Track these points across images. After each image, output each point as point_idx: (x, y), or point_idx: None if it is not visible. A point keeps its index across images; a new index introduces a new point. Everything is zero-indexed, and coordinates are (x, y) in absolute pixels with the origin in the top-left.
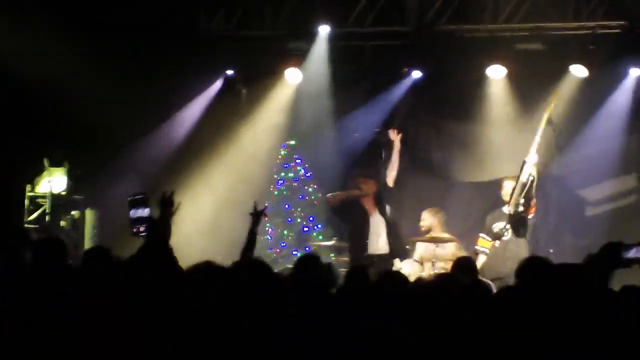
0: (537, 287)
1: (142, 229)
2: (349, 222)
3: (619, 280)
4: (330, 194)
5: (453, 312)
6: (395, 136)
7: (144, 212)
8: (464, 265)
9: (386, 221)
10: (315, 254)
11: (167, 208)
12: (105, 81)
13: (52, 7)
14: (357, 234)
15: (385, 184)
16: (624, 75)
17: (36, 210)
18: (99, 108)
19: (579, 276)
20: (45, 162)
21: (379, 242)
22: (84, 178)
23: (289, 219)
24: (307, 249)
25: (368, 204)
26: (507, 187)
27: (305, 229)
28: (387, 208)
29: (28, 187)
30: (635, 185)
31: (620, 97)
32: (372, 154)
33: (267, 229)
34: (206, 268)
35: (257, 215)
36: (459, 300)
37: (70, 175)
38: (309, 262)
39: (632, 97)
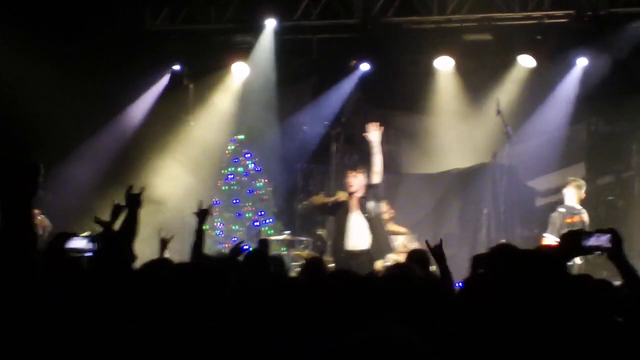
0: (506, 275)
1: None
2: (330, 214)
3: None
4: (306, 202)
5: (410, 302)
6: (375, 131)
7: (81, 242)
8: (418, 258)
9: (367, 218)
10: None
11: (136, 204)
12: (53, 79)
13: None
14: (337, 229)
15: (370, 183)
16: (571, 65)
17: None
18: (47, 106)
19: (544, 263)
20: None
21: (359, 238)
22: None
23: (239, 214)
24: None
25: (352, 199)
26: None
27: (256, 223)
28: (372, 204)
29: None
30: (581, 176)
31: (568, 87)
32: (323, 148)
33: (217, 223)
34: (161, 266)
35: (202, 215)
36: (417, 290)
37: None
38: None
39: (579, 87)
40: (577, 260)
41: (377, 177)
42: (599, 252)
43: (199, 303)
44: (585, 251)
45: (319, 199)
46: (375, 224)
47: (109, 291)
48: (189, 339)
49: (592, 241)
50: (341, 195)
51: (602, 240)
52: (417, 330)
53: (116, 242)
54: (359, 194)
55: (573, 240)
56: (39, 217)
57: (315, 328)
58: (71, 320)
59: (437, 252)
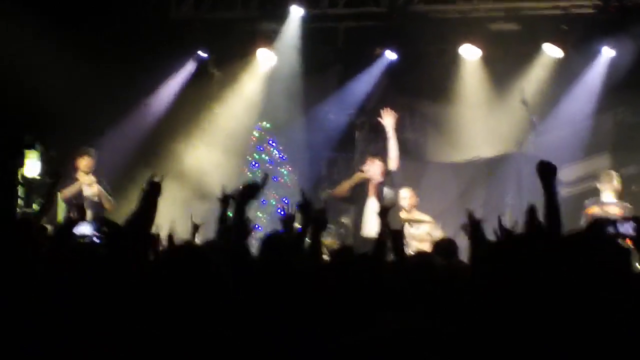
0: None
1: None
2: (352, 203)
3: None
4: (329, 192)
5: (430, 290)
6: (388, 118)
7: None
8: (444, 248)
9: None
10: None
11: (154, 194)
12: (78, 67)
13: None
14: (356, 216)
15: (387, 169)
16: (597, 54)
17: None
18: (72, 93)
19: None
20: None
21: (374, 225)
22: (59, 161)
23: (263, 201)
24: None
25: (370, 185)
26: None
27: (280, 211)
28: (387, 191)
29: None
30: (607, 166)
31: (593, 77)
32: (347, 137)
33: None
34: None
35: (225, 201)
36: (436, 279)
37: (43, 158)
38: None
39: (604, 77)
40: None
41: (392, 163)
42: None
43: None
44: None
45: (340, 190)
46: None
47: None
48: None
49: (615, 228)
50: (355, 177)
51: (626, 227)
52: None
53: (120, 243)
54: (376, 180)
55: (597, 229)
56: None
57: (317, 326)
58: (71, 317)
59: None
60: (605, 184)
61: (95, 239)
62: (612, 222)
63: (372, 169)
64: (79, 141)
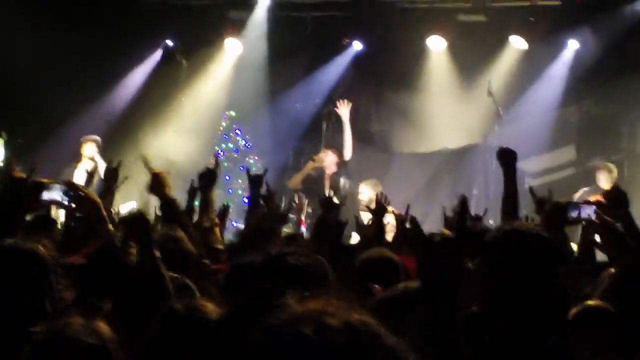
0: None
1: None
2: (308, 194)
3: None
4: (288, 181)
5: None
6: (343, 108)
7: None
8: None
9: (337, 196)
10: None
11: (113, 179)
12: (44, 51)
13: None
14: (313, 205)
15: (342, 159)
16: (563, 46)
17: None
18: (37, 79)
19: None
20: None
21: None
22: (23, 149)
23: (230, 190)
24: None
25: (325, 176)
26: None
27: (246, 200)
28: (342, 181)
29: None
30: (572, 158)
31: (559, 69)
32: (314, 126)
33: None
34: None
35: (256, 180)
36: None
37: (8, 145)
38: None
39: (570, 69)
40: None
41: (347, 153)
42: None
43: None
44: (571, 222)
45: (294, 182)
46: (347, 200)
47: None
48: None
49: (578, 212)
50: (306, 167)
51: (588, 211)
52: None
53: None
54: (330, 171)
55: (559, 212)
56: None
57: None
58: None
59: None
60: (604, 174)
61: (64, 201)
62: (575, 205)
63: (327, 159)
64: (44, 127)
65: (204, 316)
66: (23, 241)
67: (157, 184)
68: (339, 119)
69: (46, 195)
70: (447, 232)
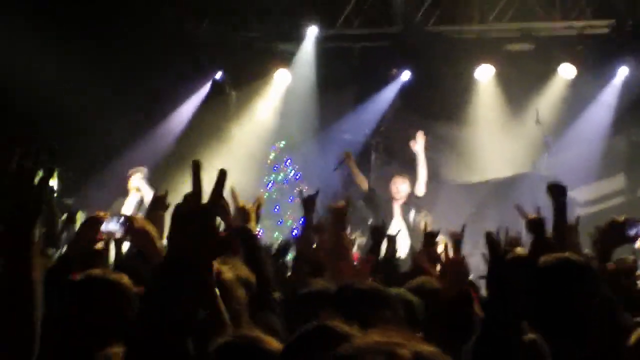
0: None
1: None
2: (374, 217)
3: None
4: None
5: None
6: (419, 142)
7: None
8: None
9: (407, 226)
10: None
11: (160, 208)
12: (94, 85)
13: (39, 10)
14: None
15: (414, 193)
16: (611, 75)
17: None
18: (86, 111)
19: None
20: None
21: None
22: (75, 181)
23: (280, 221)
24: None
25: (395, 204)
26: None
27: (296, 231)
28: (413, 214)
29: None
30: (621, 187)
31: (608, 97)
32: (363, 157)
33: (257, 231)
34: None
35: (309, 202)
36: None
37: (61, 177)
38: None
39: (619, 97)
40: None
41: (420, 189)
42: None
43: None
44: (629, 240)
45: (363, 183)
46: (415, 234)
47: None
48: None
49: (636, 229)
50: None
51: None
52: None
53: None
54: (402, 200)
55: (617, 229)
56: None
57: None
58: None
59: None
60: None
61: (120, 231)
62: (633, 222)
63: (403, 190)
64: (94, 161)
65: (266, 347)
66: (109, 272)
67: (243, 218)
68: (387, 150)
69: (104, 227)
70: (521, 250)
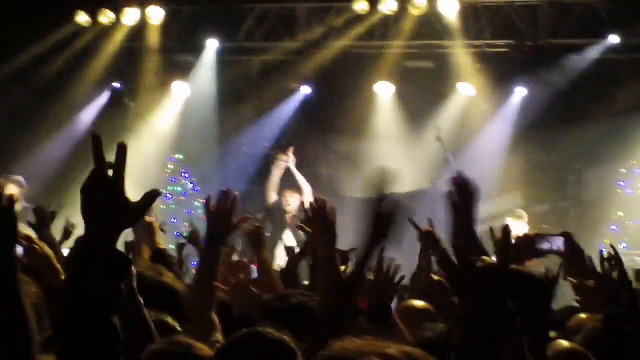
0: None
1: None
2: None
3: None
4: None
5: None
6: (290, 159)
7: None
8: None
9: (297, 239)
10: None
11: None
12: None
13: None
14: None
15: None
16: (510, 94)
17: None
18: None
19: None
20: None
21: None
22: None
23: (176, 233)
24: None
25: (289, 217)
26: None
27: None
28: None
29: None
30: (517, 205)
31: (506, 116)
32: (262, 170)
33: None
34: None
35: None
36: None
37: None
38: None
39: (517, 116)
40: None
41: (310, 199)
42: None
43: None
44: (540, 254)
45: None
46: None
47: None
48: None
49: (547, 244)
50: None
51: (557, 243)
52: None
53: None
54: (294, 213)
55: (528, 244)
56: None
57: None
58: None
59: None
60: (514, 221)
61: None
62: (542, 237)
63: (293, 203)
64: None
65: (198, 354)
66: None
67: (149, 233)
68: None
69: None
70: (488, 259)
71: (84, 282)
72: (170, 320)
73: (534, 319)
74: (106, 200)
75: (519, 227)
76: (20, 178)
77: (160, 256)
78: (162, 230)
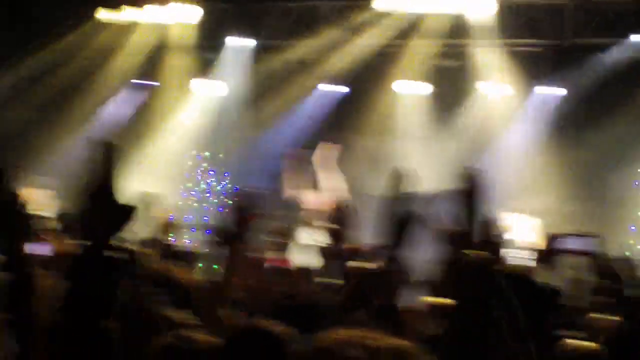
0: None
1: None
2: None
3: None
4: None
5: None
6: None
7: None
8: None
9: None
10: None
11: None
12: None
13: None
14: None
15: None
16: (537, 93)
17: None
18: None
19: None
20: None
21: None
22: None
23: (192, 229)
24: None
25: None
26: None
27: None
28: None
29: None
30: (547, 203)
31: (533, 116)
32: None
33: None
34: None
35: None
36: None
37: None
38: None
39: (544, 116)
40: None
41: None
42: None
43: None
44: (563, 253)
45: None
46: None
47: None
48: None
49: (575, 244)
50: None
51: (584, 243)
52: None
53: None
54: (314, 211)
55: (551, 243)
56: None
57: None
58: None
59: None
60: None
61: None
62: (571, 237)
63: (311, 198)
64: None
65: (203, 347)
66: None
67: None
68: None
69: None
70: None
71: (84, 281)
72: (177, 314)
73: (535, 318)
74: (99, 206)
75: (530, 224)
76: (47, 179)
77: (169, 251)
78: (175, 226)
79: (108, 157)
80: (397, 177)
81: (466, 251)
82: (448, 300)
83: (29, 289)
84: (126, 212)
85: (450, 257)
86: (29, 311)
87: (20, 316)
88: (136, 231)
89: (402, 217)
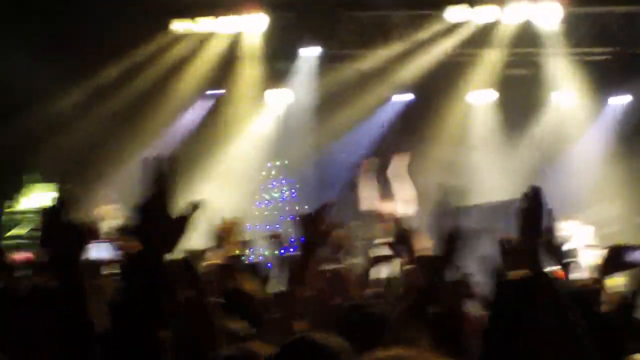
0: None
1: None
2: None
3: None
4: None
5: None
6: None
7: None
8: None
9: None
10: None
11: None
12: (88, 99)
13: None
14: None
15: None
16: (608, 102)
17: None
18: (83, 125)
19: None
20: (27, 179)
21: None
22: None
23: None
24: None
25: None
26: None
27: (283, 250)
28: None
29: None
30: (615, 213)
31: (604, 124)
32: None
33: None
34: None
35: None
36: None
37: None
38: None
39: (616, 125)
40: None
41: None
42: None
43: None
44: (628, 266)
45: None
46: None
47: None
48: None
49: (634, 256)
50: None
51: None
52: None
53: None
54: (388, 220)
55: (615, 255)
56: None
57: None
58: None
59: None
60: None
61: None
62: (631, 248)
63: (386, 208)
64: (90, 175)
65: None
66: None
67: (226, 233)
68: (382, 170)
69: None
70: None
71: (136, 292)
72: (241, 325)
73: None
74: (152, 221)
75: (583, 231)
76: (117, 193)
77: (238, 262)
78: (246, 235)
79: (163, 173)
80: (446, 192)
81: (524, 267)
82: None
83: (81, 297)
84: (180, 226)
85: (506, 271)
86: (82, 319)
87: (72, 324)
88: (202, 241)
89: (451, 232)
